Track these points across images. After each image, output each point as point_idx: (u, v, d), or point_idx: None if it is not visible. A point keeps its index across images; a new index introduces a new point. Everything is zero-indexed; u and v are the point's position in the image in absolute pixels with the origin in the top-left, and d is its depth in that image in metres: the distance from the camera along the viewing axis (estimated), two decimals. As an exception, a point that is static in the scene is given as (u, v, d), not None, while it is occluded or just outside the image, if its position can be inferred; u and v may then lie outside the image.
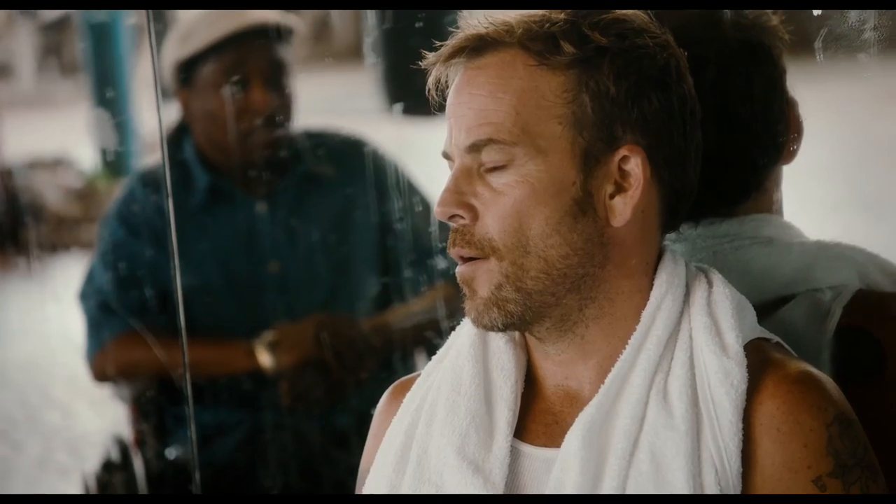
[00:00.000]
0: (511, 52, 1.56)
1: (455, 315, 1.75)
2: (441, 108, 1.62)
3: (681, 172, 1.60)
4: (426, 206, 3.05)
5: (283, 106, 3.10)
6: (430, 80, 1.62)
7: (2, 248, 7.78)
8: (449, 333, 1.73)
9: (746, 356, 1.54)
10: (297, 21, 3.17)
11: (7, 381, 6.37)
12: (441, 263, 2.97)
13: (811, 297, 1.72)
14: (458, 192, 1.56)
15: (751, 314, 1.61)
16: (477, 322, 1.59)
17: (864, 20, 1.85)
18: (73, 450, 5.38)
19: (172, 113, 3.17)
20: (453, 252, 1.59)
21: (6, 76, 12.67)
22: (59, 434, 5.67)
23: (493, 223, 1.55)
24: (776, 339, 1.61)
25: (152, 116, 2.78)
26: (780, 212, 1.82)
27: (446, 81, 1.61)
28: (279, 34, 3.10)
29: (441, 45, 1.60)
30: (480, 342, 1.65)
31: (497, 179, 1.55)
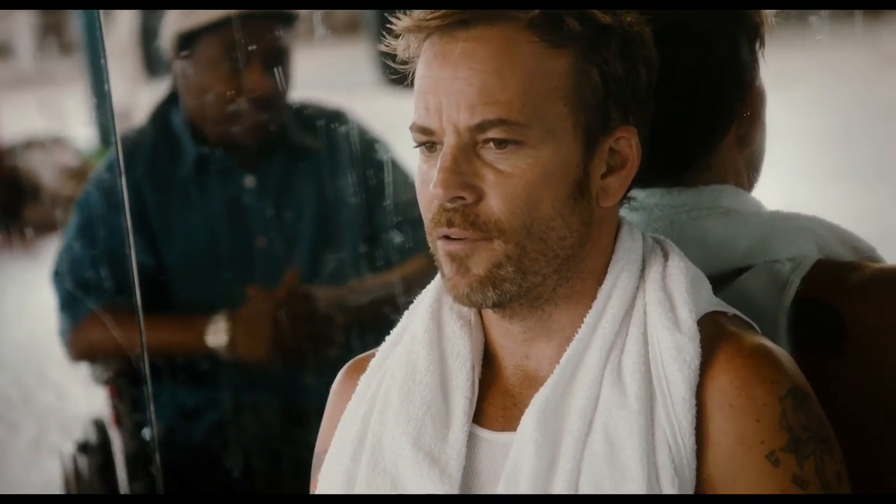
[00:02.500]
0: (510, 26, 1.50)
1: (412, 290, 1.71)
2: (397, 75, 1.56)
3: (646, 146, 1.58)
4: (408, 181, 3.02)
5: (278, 90, 3.07)
6: (399, 47, 1.55)
7: (-2, 227, 7.77)
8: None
9: (701, 330, 1.51)
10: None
11: (2, 362, 6.35)
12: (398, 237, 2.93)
13: (769, 267, 1.68)
14: (460, 173, 1.50)
15: (706, 287, 1.58)
16: (466, 299, 1.53)
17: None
18: (66, 431, 5.36)
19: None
20: (448, 231, 1.52)
21: (5, 55, 12.64)
22: (53, 415, 5.65)
23: (500, 205, 1.50)
24: (733, 311, 1.58)
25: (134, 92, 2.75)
26: (743, 186, 1.78)
27: (416, 50, 1.54)
28: (283, 18, 3.06)
29: (414, 10, 1.54)
30: (435, 327, 1.62)
31: (505, 161, 1.50)
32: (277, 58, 3.05)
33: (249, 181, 3.14)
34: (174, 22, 3.06)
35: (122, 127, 4.10)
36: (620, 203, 1.59)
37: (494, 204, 1.50)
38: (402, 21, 1.54)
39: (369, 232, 3.13)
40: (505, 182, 1.50)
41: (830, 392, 1.55)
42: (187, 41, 3.06)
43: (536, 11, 1.50)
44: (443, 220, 1.52)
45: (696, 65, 1.68)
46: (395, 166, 3.09)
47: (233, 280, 3.08)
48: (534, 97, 1.49)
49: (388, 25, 1.56)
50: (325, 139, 3.14)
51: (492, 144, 1.50)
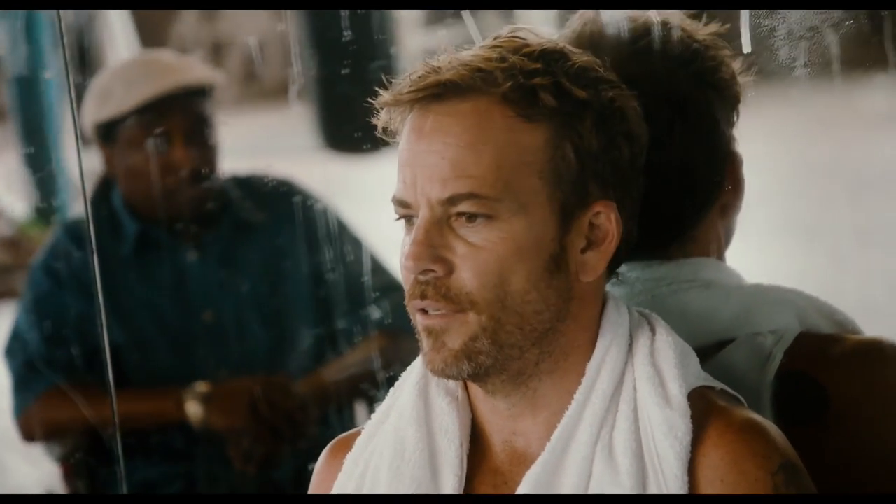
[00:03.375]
0: (486, 100, 1.51)
1: (390, 366, 1.70)
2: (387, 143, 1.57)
3: (634, 222, 1.58)
4: (360, 254, 3.02)
5: (207, 160, 3.09)
6: (382, 121, 1.56)
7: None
8: (385, 385, 1.68)
9: (690, 405, 1.51)
10: (218, 76, 3.16)
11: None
12: (376, 313, 2.94)
13: (751, 340, 1.69)
14: (431, 246, 1.51)
15: (694, 361, 1.58)
16: (441, 373, 1.54)
17: (795, 58, 1.84)
18: (7, 505, 5.25)
19: (98, 163, 3.14)
20: (422, 304, 1.52)
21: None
22: (-7, 489, 5.54)
23: (471, 278, 1.50)
24: (720, 385, 1.58)
25: (88, 163, 2.75)
26: (721, 258, 1.79)
27: (399, 124, 1.55)
28: (200, 92, 3.08)
29: (397, 83, 1.55)
30: (423, 404, 1.61)
31: (476, 234, 1.50)
32: (199, 131, 3.07)
33: (192, 256, 3.13)
34: (90, 114, 3.08)
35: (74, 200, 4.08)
36: (608, 277, 1.60)
37: (465, 277, 1.50)
38: (382, 96, 1.55)
39: (323, 304, 3.12)
40: (475, 255, 1.50)
41: (814, 465, 1.56)
42: (107, 130, 3.07)
43: (508, 85, 1.50)
44: (417, 292, 1.52)
45: (688, 136, 1.69)
46: (346, 233, 3.09)
47: (182, 355, 3.07)
48: (506, 171, 1.50)
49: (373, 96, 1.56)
50: (272, 210, 3.15)
51: (463, 218, 1.51)
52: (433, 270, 1.51)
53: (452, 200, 1.50)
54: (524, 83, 1.51)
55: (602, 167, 1.53)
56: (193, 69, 3.14)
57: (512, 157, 1.50)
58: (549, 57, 1.54)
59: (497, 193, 1.49)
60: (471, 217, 1.50)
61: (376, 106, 1.56)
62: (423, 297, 1.52)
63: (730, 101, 1.75)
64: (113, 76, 3.14)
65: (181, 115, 3.05)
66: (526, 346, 1.53)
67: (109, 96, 3.06)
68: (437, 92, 1.51)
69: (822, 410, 1.65)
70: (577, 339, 1.55)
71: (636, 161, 1.57)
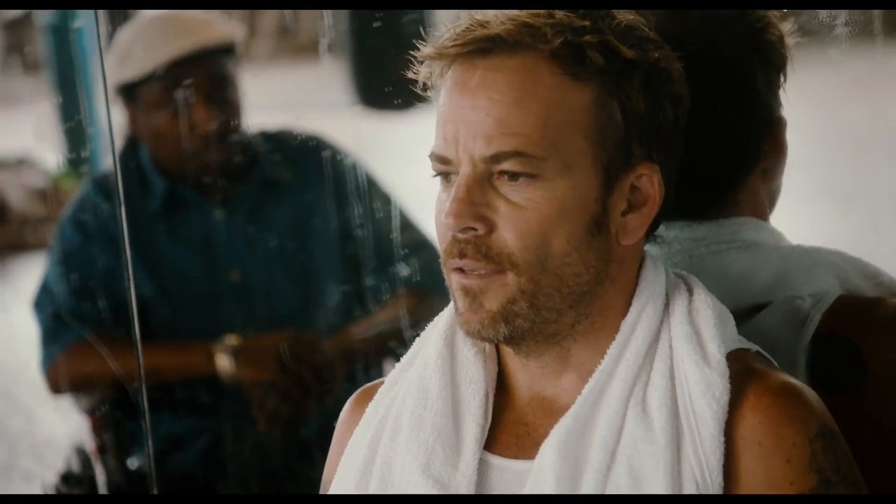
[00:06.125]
0: (534, 56, 1.47)
1: (418, 324, 1.68)
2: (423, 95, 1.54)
3: (672, 185, 1.55)
4: (388, 211, 3.00)
5: (229, 118, 3.07)
6: (422, 74, 1.53)
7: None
8: (412, 343, 1.66)
9: (728, 366, 1.48)
10: (239, 32, 3.13)
11: (-30, 386, 6.26)
12: (404, 270, 2.92)
13: (790, 303, 1.65)
14: (473, 204, 1.48)
15: (731, 323, 1.55)
16: (477, 335, 1.51)
17: (836, 15, 1.80)
18: (37, 456, 5.29)
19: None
20: (460, 263, 1.49)
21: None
22: (23, 440, 5.58)
23: (513, 238, 1.47)
24: (756, 348, 1.55)
25: (114, 120, 2.74)
26: (764, 218, 1.75)
27: (439, 78, 1.52)
28: (220, 50, 3.07)
29: (437, 36, 1.51)
30: (448, 353, 1.58)
31: (519, 193, 1.47)
32: (221, 91, 3.05)
33: (219, 213, 3.12)
34: (112, 74, 3.05)
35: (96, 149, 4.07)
36: (645, 239, 1.56)
37: (507, 236, 1.48)
38: (425, 49, 1.52)
39: (351, 261, 3.11)
40: (518, 215, 1.47)
41: (851, 430, 1.52)
42: (128, 90, 3.06)
43: (558, 42, 1.47)
44: (455, 251, 1.50)
45: (729, 100, 1.65)
46: (375, 189, 3.07)
47: (209, 311, 3.06)
48: (552, 130, 1.47)
49: (412, 52, 1.53)
50: (300, 166, 3.13)
51: (506, 176, 1.48)
52: (474, 229, 1.48)
53: (497, 158, 1.47)
54: (573, 40, 1.47)
55: (647, 129, 1.50)
56: (213, 27, 3.11)
57: (558, 116, 1.47)
58: (596, 14, 1.50)
59: (542, 152, 1.46)
60: (513, 176, 1.47)
61: (416, 59, 1.53)
62: (461, 255, 1.49)
63: (775, 63, 1.70)
64: (132, 36, 3.11)
65: (201, 76, 3.03)
66: (563, 309, 1.50)
67: (129, 57, 3.05)
68: (485, 46, 1.48)
69: (860, 376, 1.61)
70: (615, 300, 1.53)
71: (679, 123, 1.54)
